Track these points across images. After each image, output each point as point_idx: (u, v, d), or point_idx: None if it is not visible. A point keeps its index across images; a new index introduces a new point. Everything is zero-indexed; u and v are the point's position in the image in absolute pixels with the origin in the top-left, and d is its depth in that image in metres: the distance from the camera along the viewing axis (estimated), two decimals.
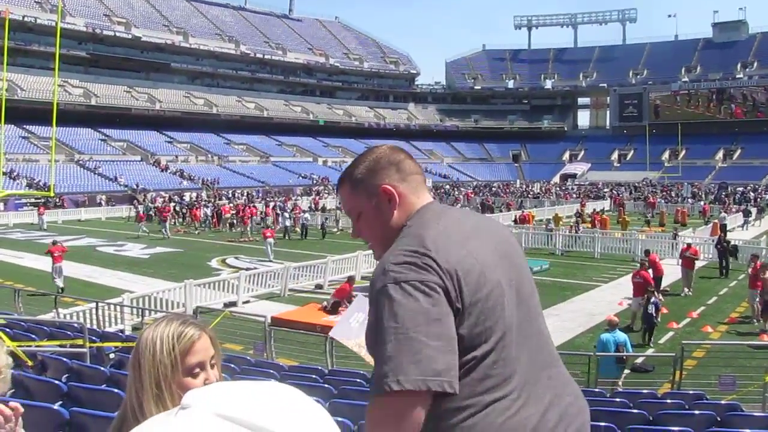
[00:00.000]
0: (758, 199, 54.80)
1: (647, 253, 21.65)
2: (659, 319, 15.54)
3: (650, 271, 18.12)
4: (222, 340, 12.26)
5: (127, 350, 8.62)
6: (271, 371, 8.69)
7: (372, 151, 2.02)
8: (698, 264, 24.27)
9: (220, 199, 54.78)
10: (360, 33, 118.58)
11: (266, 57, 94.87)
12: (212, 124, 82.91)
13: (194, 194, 58.08)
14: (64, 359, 7.71)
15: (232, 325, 14.73)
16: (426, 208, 1.93)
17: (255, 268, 22.76)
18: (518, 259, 1.92)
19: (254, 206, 45.34)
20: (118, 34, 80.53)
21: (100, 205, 53.34)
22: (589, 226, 37.20)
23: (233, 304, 18.92)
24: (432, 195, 2.01)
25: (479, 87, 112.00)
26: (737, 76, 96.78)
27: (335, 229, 38.95)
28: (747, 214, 42.84)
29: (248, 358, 10.80)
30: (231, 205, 47.36)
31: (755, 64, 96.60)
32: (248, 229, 37.63)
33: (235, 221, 40.32)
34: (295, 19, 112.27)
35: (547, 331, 1.94)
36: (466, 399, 1.63)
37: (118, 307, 16.10)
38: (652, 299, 15.19)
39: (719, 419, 7.38)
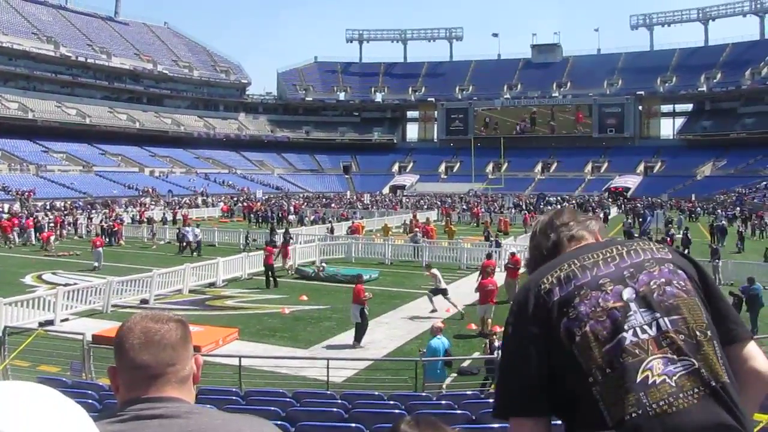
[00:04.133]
0: None
1: (489, 256, 22.64)
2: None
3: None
4: (36, 361, 11.50)
5: None
6: (90, 392, 8.22)
7: None
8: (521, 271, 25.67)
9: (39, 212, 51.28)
10: (190, 40, 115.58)
11: (89, 61, 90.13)
12: (28, 130, 77.42)
13: (7, 206, 53.85)
14: None
15: (48, 345, 13.78)
16: None
17: (75, 284, 21.49)
18: None
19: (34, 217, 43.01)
20: None
21: None
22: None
23: (50, 322, 17.68)
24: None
25: (311, 98, 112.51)
26: (553, 94, 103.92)
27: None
28: None
29: (65, 379, 10.17)
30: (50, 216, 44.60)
31: (568, 85, 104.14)
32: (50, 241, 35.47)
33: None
34: (122, 23, 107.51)
35: None
36: None
37: None
38: (495, 343, 12.97)
39: None
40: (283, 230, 36.42)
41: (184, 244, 33.86)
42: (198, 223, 41.56)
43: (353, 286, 16.89)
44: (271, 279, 24.35)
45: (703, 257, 27.99)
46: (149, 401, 1.55)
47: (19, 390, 0.96)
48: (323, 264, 27.67)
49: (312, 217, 53.31)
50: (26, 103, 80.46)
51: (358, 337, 16.10)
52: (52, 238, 36.02)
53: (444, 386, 11.94)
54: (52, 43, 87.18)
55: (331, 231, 40.18)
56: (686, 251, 29.21)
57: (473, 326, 17.72)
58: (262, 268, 25.27)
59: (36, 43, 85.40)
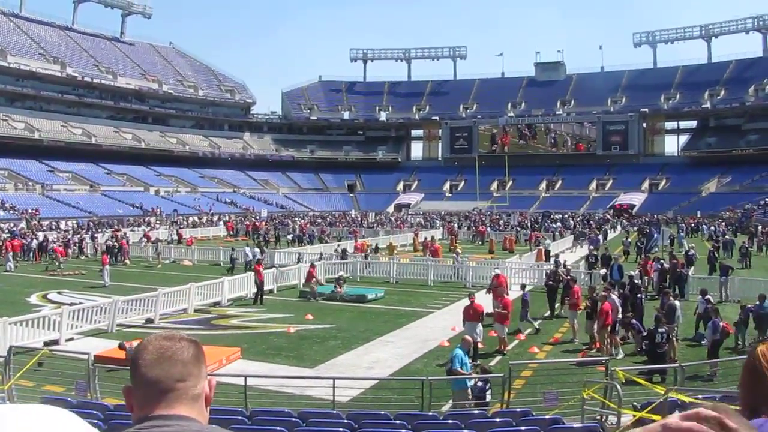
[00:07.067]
0: (576, 226, 58.74)
1: (497, 276, 22.53)
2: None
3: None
4: (40, 381, 11.48)
5: None
6: (95, 412, 8.18)
7: None
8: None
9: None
10: (195, 60, 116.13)
11: (95, 81, 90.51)
12: (34, 149, 77.61)
13: (12, 224, 53.95)
14: None
15: (53, 364, 13.75)
16: None
17: (80, 303, 21.45)
18: None
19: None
20: None
21: None
22: (421, 254, 38.35)
23: (55, 342, 17.65)
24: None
25: (315, 117, 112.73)
26: (557, 112, 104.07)
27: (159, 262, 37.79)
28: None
29: (69, 399, 10.11)
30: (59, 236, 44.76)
31: (572, 102, 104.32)
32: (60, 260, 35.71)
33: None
34: (127, 43, 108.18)
35: None
36: None
37: None
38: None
39: None
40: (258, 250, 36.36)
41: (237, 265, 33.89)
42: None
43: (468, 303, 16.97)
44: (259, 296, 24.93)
45: (712, 273, 27.97)
46: (161, 418, 1.55)
47: (40, 413, 0.99)
48: (342, 281, 27.11)
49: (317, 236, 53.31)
50: (33, 123, 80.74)
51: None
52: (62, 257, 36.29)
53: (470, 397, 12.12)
54: (59, 63, 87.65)
55: (344, 251, 39.93)
56: (714, 269, 29.16)
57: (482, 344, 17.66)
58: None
59: (43, 63, 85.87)
